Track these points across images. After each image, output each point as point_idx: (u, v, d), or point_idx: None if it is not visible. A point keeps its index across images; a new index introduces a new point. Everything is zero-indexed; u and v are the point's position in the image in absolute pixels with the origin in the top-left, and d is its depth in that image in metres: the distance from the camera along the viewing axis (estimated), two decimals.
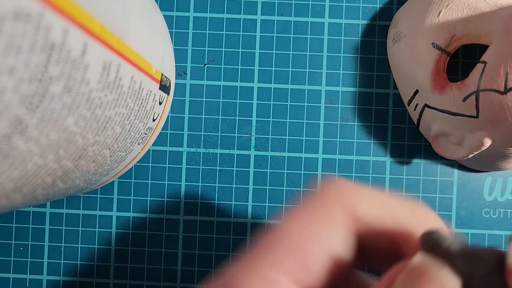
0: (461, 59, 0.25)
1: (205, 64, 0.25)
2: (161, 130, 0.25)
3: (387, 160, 0.25)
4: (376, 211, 0.13)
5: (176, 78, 0.25)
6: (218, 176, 0.25)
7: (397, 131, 0.25)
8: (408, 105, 0.24)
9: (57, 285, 0.25)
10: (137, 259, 0.25)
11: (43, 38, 0.11)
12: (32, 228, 0.25)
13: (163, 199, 0.25)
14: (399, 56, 0.23)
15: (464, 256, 0.12)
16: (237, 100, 0.25)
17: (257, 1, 0.25)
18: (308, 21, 0.25)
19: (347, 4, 0.25)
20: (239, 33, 0.25)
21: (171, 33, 0.25)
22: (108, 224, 0.25)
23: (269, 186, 0.25)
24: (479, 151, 0.21)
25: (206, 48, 0.25)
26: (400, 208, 0.13)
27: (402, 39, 0.23)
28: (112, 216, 0.25)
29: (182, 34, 0.25)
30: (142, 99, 0.19)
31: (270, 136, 0.25)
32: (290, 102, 0.25)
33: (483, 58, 0.20)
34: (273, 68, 0.25)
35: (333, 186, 0.14)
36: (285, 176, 0.25)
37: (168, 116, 0.25)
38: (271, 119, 0.25)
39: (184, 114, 0.25)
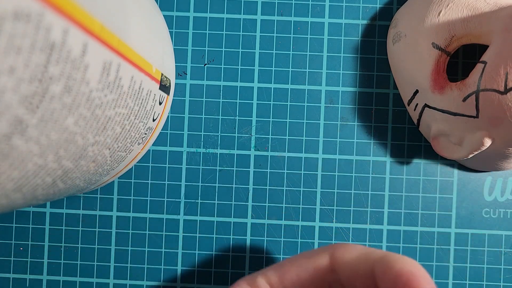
0: (461, 59, 0.25)
1: (205, 64, 0.25)
2: (161, 130, 0.25)
3: (387, 160, 0.25)
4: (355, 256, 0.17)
5: (176, 78, 0.25)
6: (218, 176, 0.25)
7: (397, 131, 0.25)
8: (408, 105, 0.24)
9: (57, 285, 0.25)
10: (137, 259, 0.25)
11: (43, 38, 0.11)
12: (32, 228, 0.25)
13: (163, 199, 0.25)
14: (399, 56, 0.23)
15: None
16: (237, 100, 0.25)
17: (257, 1, 0.25)
18: (308, 21, 0.25)
19: (347, 4, 0.25)
20: (239, 33, 0.25)
21: (171, 33, 0.25)
22: (108, 224, 0.25)
23: (269, 186, 0.25)
24: (479, 151, 0.21)
25: (206, 48, 0.25)
26: (375, 252, 0.17)
27: (402, 39, 0.23)
28: (112, 216, 0.25)
29: (182, 34, 0.25)
30: (142, 99, 0.19)
31: (270, 136, 0.25)
32: (290, 102, 0.25)
33: (483, 58, 0.20)
34: (273, 68, 0.25)
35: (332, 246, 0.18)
36: (285, 176, 0.25)
37: (168, 116, 0.25)
38: (271, 119, 0.25)
39: (184, 114, 0.25)
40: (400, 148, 0.25)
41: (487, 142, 0.20)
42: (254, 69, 0.25)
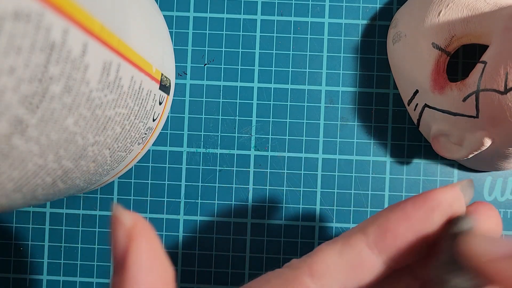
0: (461, 59, 0.25)
1: (205, 64, 0.25)
2: (161, 130, 0.25)
3: (387, 160, 0.25)
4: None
5: (176, 78, 0.25)
6: (218, 176, 0.25)
7: (397, 131, 0.25)
8: (408, 105, 0.24)
9: (57, 285, 0.25)
10: None
11: (43, 38, 0.11)
12: (32, 228, 0.25)
13: (163, 199, 0.25)
14: (399, 56, 0.23)
15: None
16: (237, 100, 0.25)
17: (257, 1, 0.25)
18: (308, 21, 0.25)
19: (347, 4, 0.25)
20: (239, 33, 0.25)
21: (171, 33, 0.25)
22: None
23: (269, 186, 0.25)
24: (479, 151, 0.21)
25: (206, 48, 0.25)
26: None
27: (402, 39, 0.23)
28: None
29: (182, 34, 0.25)
30: (142, 99, 0.19)
31: (270, 136, 0.25)
32: (290, 102, 0.25)
33: (483, 58, 0.20)
34: (273, 68, 0.25)
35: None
36: (285, 176, 0.25)
37: (168, 116, 0.25)
38: (271, 119, 0.25)
39: (184, 114, 0.25)
40: (400, 148, 0.25)
41: (487, 142, 0.20)
42: (254, 69, 0.25)
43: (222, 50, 0.25)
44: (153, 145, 0.25)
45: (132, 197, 0.25)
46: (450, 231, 0.14)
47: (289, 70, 0.25)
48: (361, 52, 0.25)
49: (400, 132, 0.25)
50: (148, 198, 0.25)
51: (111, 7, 0.15)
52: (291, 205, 0.25)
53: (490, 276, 0.13)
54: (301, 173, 0.25)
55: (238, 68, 0.25)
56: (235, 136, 0.25)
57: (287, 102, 0.25)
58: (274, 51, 0.25)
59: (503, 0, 0.20)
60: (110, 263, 0.25)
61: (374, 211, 0.25)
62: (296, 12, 0.25)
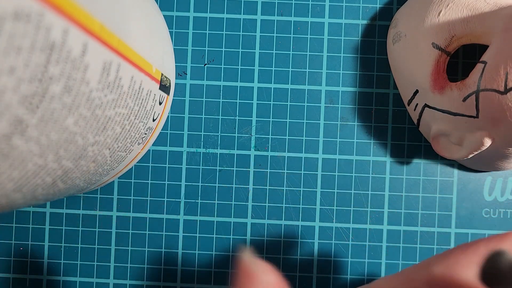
0: (461, 59, 0.25)
1: (205, 64, 0.25)
2: (161, 130, 0.25)
3: (387, 160, 0.25)
4: None
5: (176, 78, 0.25)
6: (218, 176, 0.25)
7: (397, 131, 0.25)
8: (408, 105, 0.24)
9: (57, 285, 0.25)
10: (137, 259, 0.25)
11: (43, 38, 0.11)
12: (32, 228, 0.25)
13: (163, 199, 0.25)
14: (399, 56, 0.23)
15: None
16: (237, 100, 0.25)
17: (257, 1, 0.25)
18: (308, 21, 0.25)
19: (347, 4, 0.25)
20: (239, 33, 0.25)
21: (171, 33, 0.25)
22: (108, 224, 0.25)
23: (269, 186, 0.25)
24: (479, 151, 0.21)
25: (206, 48, 0.25)
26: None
27: (402, 39, 0.23)
28: (112, 216, 0.25)
29: (182, 34, 0.25)
30: (142, 99, 0.19)
31: (270, 136, 0.25)
32: (290, 102, 0.25)
33: (483, 58, 0.20)
34: (273, 68, 0.25)
35: None
36: (285, 176, 0.25)
37: (168, 116, 0.25)
38: (271, 119, 0.25)
39: (184, 114, 0.25)
40: (400, 148, 0.25)
41: (487, 142, 0.20)
42: (254, 69, 0.25)
43: (222, 50, 0.25)
44: (153, 145, 0.25)
45: (132, 197, 0.25)
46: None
47: (289, 70, 0.25)
48: (361, 52, 0.25)
49: (400, 132, 0.25)
50: (148, 198, 0.25)
51: (111, 7, 0.15)
52: (291, 205, 0.25)
53: None
54: (301, 173, 0.25)
55: (238, 68, 0.25)
56: (235, 136, 0.25)
57: (287, 102, 0.25)
58: (274, 51, 0.25)
59: (503, 0, 0.20)
60: (110, 263, 0.25)
61: (374, 211, 0.25)
62: (296, 12, 0.25)
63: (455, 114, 0.21)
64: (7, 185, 0.13)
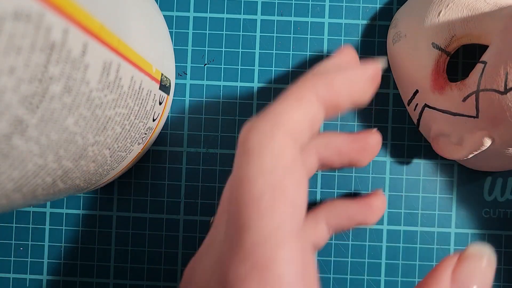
0: (461, 59, 0.25)
1: (205, 64, 0.25)
2: (161, 130, 0.25)
3: (387, 160, 0.25)
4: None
5: (176, 78, 0.25)
6: (218, 176, 0.25)
7: (397, 131, 0.25)
8: (408, 105, 0.24)
9: (57, 285, 0.25)
10: (137, 259, 0.25)
11: (43, 38, 0.11)
12: (32, 228, 0.25)
13: (163, 199, 0.25)
14: (399, 56, 0.23)
15: None
16: (237, 100, 0.25)
17: (257, 1, 0.25)
18: (308, 21, 0.25)
19: (347, 4, 0.25)
20: (239, 33, 0.25)
21: (171, 33, 0.25)
22: (108, 224, 0.25)
23: None
24: (479, 151, 0.21)
25: (206, 48, 0.25)
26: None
27: (402, 39, 0.23)
28: (112, 216, 0.25)
29: (182, 34, 0.25)
30: (142, 99, 0.19)
31: None
32: None
33: (483, 58, 0.20)
34: (273, 68, 0.25)
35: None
36: None
37: (168, 116, 0.25)
38: None
39: (184, 114, 0.25)
40: (400, 148, 0.25)
41: (487, 142, 0.20)
42: (254, 69, 0.25)
43: (222, 50, 0.25)
44: (153, 145, 0.25)
45: (132, 197, 0.25)
46: None
47: (289, 70, 0.25)
48: (361, 52, 0.25)
49: (400, 132, 0.25)
50: (148, 198, 0.25)
51: (111, 7, 0.15)
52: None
53: None
54: None
55: (238, 68, 0.25)
56: (235, 136, 0.25)
57: None
58: (274, 51, 0.25)
59: (503, 0, 0.20)
60: (110, 263, 0.25)
61: None
62: (296, 12, 0.25)
63: (455, 114, 0.21)
64: (7, 185, 0.13)
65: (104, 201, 0.25)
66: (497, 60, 0.19)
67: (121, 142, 0.19)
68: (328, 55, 0.25)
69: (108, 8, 0.15)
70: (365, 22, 0.25)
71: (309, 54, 0.25)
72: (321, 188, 0.25)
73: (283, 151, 0.15)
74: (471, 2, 0.20)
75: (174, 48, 0.25)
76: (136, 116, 0.19)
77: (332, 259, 0.25)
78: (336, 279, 0.25)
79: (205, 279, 0.15)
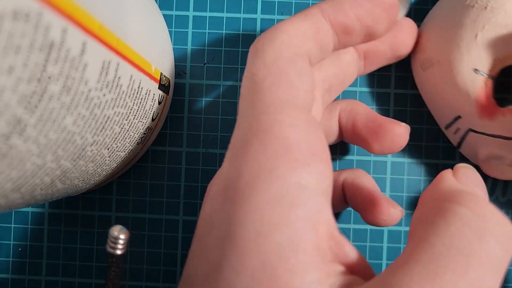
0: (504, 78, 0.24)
1: (204, 64, 0.25)
2: (161, 130, 0.25)
3: (388, 160, 0.25)
4: None
5: (175, 78, 0.25)
6: None
7: None
8: (446, 129, 0.23)
9: (56, 285, 0.25)
10: (136, 259, 0.25)
11: (42, 37, 0.11)
12: (30, 228, 0.25)
13: (162, 199, 0.25)
14: (433, 83, 0.22)
15: None
16: (236, 100, 0.25)
17: (257, 0, 0.25)
18: None
19: None
20: (239, 32, 0.25)
21: (170, 32, 0.25)
22: (107, 225, 0.25)
23: None
24: None
25: (206, 48, 0.25)
26: None
27: (436, 65, 0.22)
28: (111, 216, 0.25)
29: (182, 33, 0.25)
30: (141, 99, 0.19)
31: None
32: None
33: None
34: None
35: None
36: None
37: (167, 115, 0.25)
38: None
39: (183, 113, 0.25)
40: None
41: None
42: None
43: (221, 50, 0.25)
44: (152, 145, 0.25)
45: (131, 198, 0.25)
46: None
47: None
48: None
49: None
50: (147, 199, 0.25)
51: (110, 6, 0.15)
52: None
53: None
54: None
55: (238, 68, 0.25)
56: None
57: None
58: None
59: None
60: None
61: None
62: (296, 11, 0.25)
63: (509, 139, 0.20)
64: (5, 185, 0.13)
65: (103, 202, 0.25)
66: None
67: (120, 142, 0.19)
68: None
69: (107, 7, 0.15)
70: None
71: None
72: None
73: (284, 47, 0.16)
74: (508, 22, 0.19)
75: (173, 48, 0.25)
76: (135, 115, 0.19)
77: None
78: None
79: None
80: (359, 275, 0.14)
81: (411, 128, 0.25)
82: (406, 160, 0.25)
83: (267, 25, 0.25)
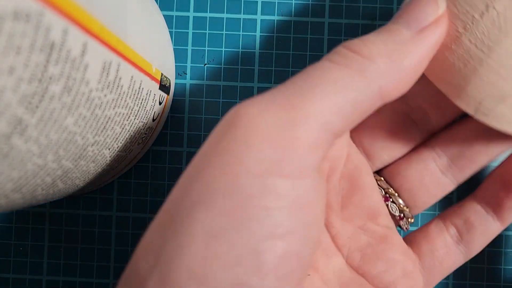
0: None
1: (205, 64, 0.25)
2: (161, 130, 0.25)
3: None
4: None
5: (176, 78, 0.25)
6: None
7: None
8: None
9: (56, 285, 0.25)
10: None
11: (43, 38, 0.11)
12: (31, 228, 0.25)
13: (163, 199, 0.25)
14: None
15: None
16: (237, 100, 0.25)
17: (257, 1, 0.25)
18: (308, 21, 0.25)
19: (347, 4, 0.25)
20: (239, 33, 0.25)
21: (170, 33, 0.25)
22: (108, 225, 0.25)
23: None
24: None
25: (206, 48, 0.25)
26: None
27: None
28: (111, 216, 0.25)
29: (182, 34, 0.25)
30: (142, 99, 0.19)
31: None
32: None
33: None
34: (273, 68, 0.25)
35: None
36: None
37: (168, 116, 0.25)
38: None
39: (184, 114, 0.25)
40: None
41: None
42: (254, 69, 0.25)
43: (222, 50, 0.25)
44: (153, 145, 0.25)
45: (132, 198, 0.25)
46: None
47: (289, 70, 0.25)
48: None
49: None
50: (148, 199, 0.25)
51: (111, 7, 0.15)
52: None
53: None
54: None
55: (238, 68, 0.25)
56: None
57: None
58: (274, 51, 0.25)
59: None
60: (110, 263, 0.25)
61: None
62: (296, 11, 0.25)
63: None
64: (6, 185, 0.13)
65: (103, 202, 0.25)
66: None
67: (121, 142, 0.19)
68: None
69: (108, 7, 0.15)
70: (365, 22, 0.25)
71: (309, 54, 0.25)
72: None
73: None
74: None
75: (174, 48, 0.25)
76: (136, 116, 0.19)
77: None
78: None
79: None
80: None
81: None
82: None
83: (267, 25, 0.25)
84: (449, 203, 0.25)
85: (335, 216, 0.18)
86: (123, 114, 0.17)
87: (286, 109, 0.13)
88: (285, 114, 0.13)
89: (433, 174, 0.19)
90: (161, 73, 0.21)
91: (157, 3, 0.25)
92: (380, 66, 0.14)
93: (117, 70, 0.16)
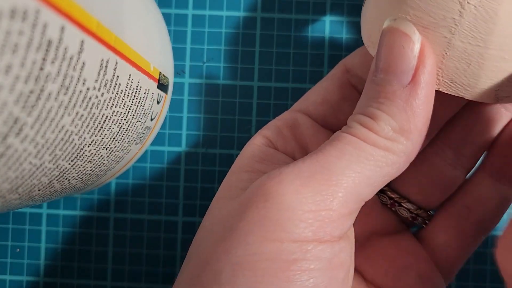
0: None
1: (204, 63, 0.25)
2: (159, 129, 0.25)
3: None
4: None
5: (174, 77, 0.25)
6: (218, 176, 0.25)
7: None
8: None
9: (54, 286, 0.25)
10: (135, 261, 0.25)
11: (40, 36, 0.11)
12: (28, 229, 0.25)
13: (161, 200, 0.25)
14: None
15: None
16: (236, 99, 0.25)
17: None
18: (309, 19, 0.25)
19: (348, 2, 0.25)
20: (238, 31, 0.25)
21: (169, 31, 0.25)
22: (105, 226, 0.25)
23: None
24: None
25: (205, 47, 0.25)
26: None
27: None
28: (109, 217, 0.25)
29: (181, 32, 0.25)
30: (140, 98, 0.19)
31: None
32: (290, 101, 0.25)
33: None
34: (273, 67, 0.25)
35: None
36: None
37: (166, 115, 0.25)
38: (271, 119, 0.25)
39: (182, 113, 0.25)
40: None
41: None
42: (254, 67, 0.25)
43: (221, 49, 0.25)
44: (151, 145, 0.25)
45: (129, 198, 0.25)
46: None
47: (289, 69, 0.25)
48: None
49: None
50: (146, 199, 0.25)
51: (108, 4, 0.15)
52: None
53: None
54: None
55: (238, 67, 0.25)
56: (234, 136, 0.25)
57: (288, 101, 0.25)
58: (274, 50, 0.25)
59: None
60: (107, 264, 0.25)
61: None
62: (296, 9, 0.25)
63: None
64: (2, 185, 0.13)
65: (101, 202, 0.25)
66: None
67: (118, 142, 0.19)
68: (328, 53, 0.25)
69: (105, 5, 0.15)
70: None
71: (309, 53, 0.25)
72: None
73: None
74: None
75: (172, 46, 0.25)
76: (133, 115, 0.19)
77: None
78: None
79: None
80: None
81: None
82: None
83: (267, 24, 0.25)
84: None
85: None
86: (121, 113, 0.17)
87: (322, 184, 0.14)
88: (325, 189, 0.14)
89: (442, 171, 0.20)
90: (160, 72, 0.21)
91: (155, 1, 0.25)
92: (401, 155, 0.15)
93: (115, 69, 0.16)
